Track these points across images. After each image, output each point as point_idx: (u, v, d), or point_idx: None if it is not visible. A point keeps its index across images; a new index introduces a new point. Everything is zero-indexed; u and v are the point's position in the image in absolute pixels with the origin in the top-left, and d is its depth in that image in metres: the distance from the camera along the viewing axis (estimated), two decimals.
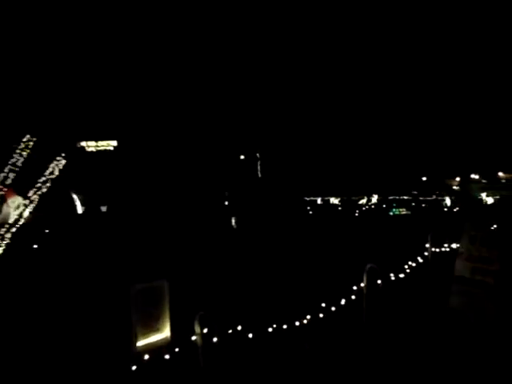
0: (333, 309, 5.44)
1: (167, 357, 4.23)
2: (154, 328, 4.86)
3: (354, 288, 5.81)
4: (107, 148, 41.69)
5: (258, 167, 52.97)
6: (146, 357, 4.22)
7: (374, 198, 52.45)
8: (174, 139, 40.55)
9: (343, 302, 5.56)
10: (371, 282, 5.96)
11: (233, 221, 19.82)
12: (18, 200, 11.52)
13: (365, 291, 5.85)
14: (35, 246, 13.17)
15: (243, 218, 21.52)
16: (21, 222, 10.64)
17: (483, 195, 27.97)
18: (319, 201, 49.59)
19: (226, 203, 31.84)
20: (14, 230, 10.53)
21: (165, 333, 4.93)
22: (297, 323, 5.07)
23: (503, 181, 32.22)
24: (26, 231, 11.51)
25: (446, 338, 5.12)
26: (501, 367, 4.35)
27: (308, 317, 5.20)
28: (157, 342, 4.80)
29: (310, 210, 40.33)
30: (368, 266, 5.95)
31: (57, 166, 11.14)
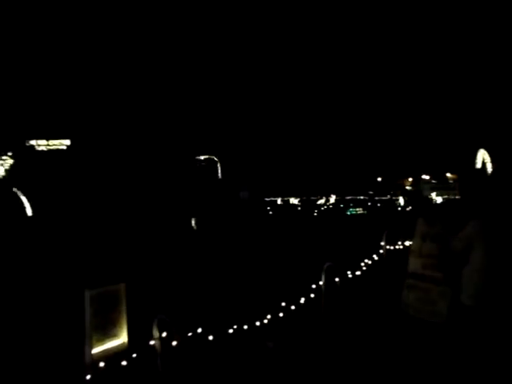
0: (292, 307, 5.51)
1: (124, 363, 4.09)
2: (110, 334, 4.69)
3: (313, 286, 5.92)
4: (59, 147, 39.87)
5: (219, 169, 52.82)
6: (102, 364, 4.06)
7: (332, 198, 53.88)
8: (131, 140, 39.49)
9: (302, 300, 5.64)
10: (329, 280, 6.10)
11: (193, 222, 19.58)
12: None
13: (323, 289, 5.98)
14: None
15: (203, 219, 21.33)
16: None
17: (433, 195, 29.49)
18: (279, 201, 50.18)
19: (186, 204, 31.41)
20: None
21: (122, 338, 4.77)
22: (257, 323, 5.08)
23: (451, 181, 34.14)
24: None
25: (400, 332, 5.33)
26: (452, 358, 4.58)
27: (268, 316, 5.23)
28: (113, 348, 4.63)
29: (270, 211, 40.69)
30: (326, 264, 6.09)
31: (1, 165, 10.57)
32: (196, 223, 19.55)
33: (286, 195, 51.99)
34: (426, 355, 4.72)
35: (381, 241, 8.61)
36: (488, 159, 35.15)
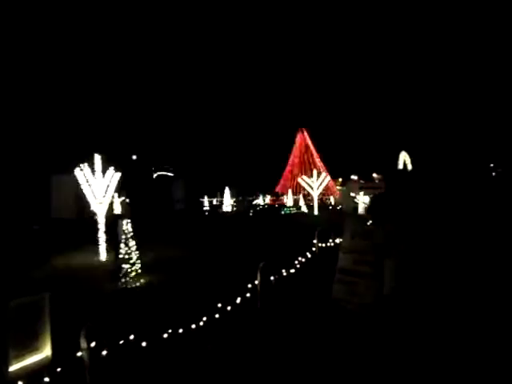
0: (229, 308, 5.50)
1: (47, 380, 3.79)
2: (31, 348, 4.32)
3: (249, 286, 5.96)
4: None
5: (152, 169, 51.38)
6: (21, 383, 3.72)
7: (267, 198, 54.84)
8: (53, 135, 36.93)
9: (239, 300, 5.66)
10: (265, 279, 6.19)
11: (123, 223, 18.74)
12: None
13: (259, 288, 6.05)
14: None
15: (134, 220, 20.56)
16: None
17: (361, 194, 31.28)
18: (214, 201, 49.96)
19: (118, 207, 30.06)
20: None
21: (45, 352, 4.42)
22: (193, 326, 4.99)
23: (376, 181, 36.50)
24: None
25: (331, 325, 5.56)
26: (378, 348, 4.87)
27: (204, 318, 5.16)
28: (35, 363, 4.28)
29: (205, 211, 40.33)
30: (261, 263, 6.17)
31: None
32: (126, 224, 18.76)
33: (221, 196, 51.92)
34: (354, 344, 4.97)
35: (313, 239, 8.93)
36: (408, 160, 38.09)
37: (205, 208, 42.85)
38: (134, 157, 46.87)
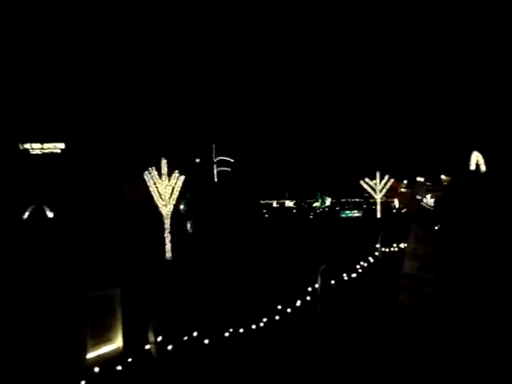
0: (288, 310, 5.50)
1: (119, 368, 4.06)
2: (105, 338, 4.66)
3: (309, 289, 5.92)
4: (53, 151, 39.63)
5: (215, 171, 52.72)
6: (97, 369, 4.03)
7: (328, 201, 53.97)
8: (125, 141, 39.37)
9: (298, 303, 5.64)
10: (325, 283, 6.10)
11: (188, 225, 19.52)
12: None
13: (319, 292, 5.98)
14: None
15: (199, 223, 21.30)
16: None
17: (428, 197, 29.67)
18: (275, 204, 50.16)
19: (182, 207, 31.36)
20: None
21: (117, 343, 4.74)
22: (253, 326, 5.07)
23: (445, 183, 34.39)
24: None
25: (396, 334, 5.34)
26: (448, 360, 4.59)
27: (264, 319, 5.22)
28: (108, 352, 4.60)
29: (265, 213, 40.68)
30: (322, 267, 6.09)
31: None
32: (191, 226, 19.50)
33: (281, 198, 52.00)
34: (422, 355, 4.73)
35: (376, 243, 8.63)
36: (482, 161, 35.37)
37: (265, 210, 43.14)
38: (198, 160, 48.51)
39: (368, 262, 7.69)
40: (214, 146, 50.69)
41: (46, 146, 39.24)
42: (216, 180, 53.23)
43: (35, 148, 38.97)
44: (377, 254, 8.45)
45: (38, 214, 26.29)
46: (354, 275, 6.95)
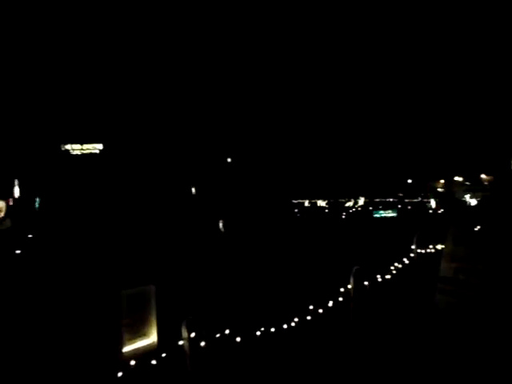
0: (320, 311, 5.47)
1: (154, 362, 4.18)
2: (140, 333, 4.81)
3: (341, 290, 5.85)
4: (93, 151, 41.19)
5: (246, 170, 53.03)
6: (133, 362, 4.17)
7: (361, 201, 53.02)
8: (161, 141, 40.30)
9: (330, 303, 5.59)
10: (358, 284, 6.01)
11: (220, 224, 19.75)
12: (1, 203, 11.32)
13: (352, 293, 5.90)
14: (18, 252, 12.91)
15: (231, 222, 21.51)
16: (2, 227, 10.40)
17: (467, 197, 28.52)
18: (307, 203, 49.83)
19: (214, 206, 31.77)
20: None
21: (151, 338, 4.89)
22: (285, 326, 5.07)
23: (486, 183, 32.91)
24: (9, 236, 11.27)
25: (434, 338, 5.18)
26: (489, 364, 4.42)
27: (296, 319, 5.21)
28: (143, 347, 4.75)
29: (297, 213, 40.49)
30: (355, 267, 6.00)
31: None
32: (224, 225, 19.73)
33: (313, 197, 51.58)
34: (459, 359, 4.57)
35: (411, 244, 8.40)
36: None
37: (297, 209, 42.93)
38: (229, 159, 48.95)
39: (402, 263, 7.51)
40: (244, 145, 51.02)
41: (85, 146, 40.83)
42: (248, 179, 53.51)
43: (75, 149, 40.62)
44: (412, 255, 8.23)
45: (77, 211, 27.41)
46: (387, 277, 6.81)
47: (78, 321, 6.40)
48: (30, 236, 15.54)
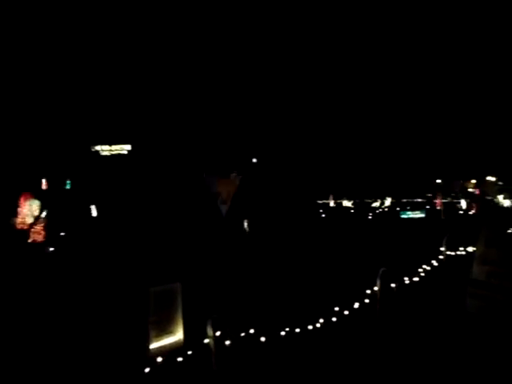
0: (346, 312, 5.40)
1: (180, 359, 4.24)
2: (167, 331, 4.89)
3: (368, 292, 5.76)
4: (121, 152, 42.20)
5: (271, 170, 52.98)
6: (159, 359, 4.24)
7: (388, 201, 51.98)
8: (186, 141, 40.85)
9: (356, 305, 5.52)
10: (385, 286, 5.90)
11: (245, 224, 19.81)
12: (36, 203, 11.80)
13: (378, 295, 5.80)
14: (51, 249, 13.37)
15: (255, 221, 21.53)
16: (37, 225, 10.83)
17: (500, 198, 27.45)
18: (332, 203, 49.30)
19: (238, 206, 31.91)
20: (31, 231, 10.75)
21: (177, 335, 4.96)
22: (310, 327, 5.04)
23: None
24: (43, 234, 11.69)
25: (463, 343, 5.03)
26: None
27: (321, 320, 5.17)
28: (170, 344, 4.83)
29: (322, 213, 40.10)
30: (381, 269, 5.90)
31: None
32: (248, 225, 19.77)
33: (338, 197, 50.95)
34: (491, 365, 4.41)
35: (441, 246, 8.19)
36: None
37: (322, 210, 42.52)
38: (254, 160, 49.04)
39: (431, 265, 7.32)
40: (270, 145, 50.97)
41: (113, 147, 41.90)
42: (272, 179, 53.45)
43: (104, 150, 41.74)
44: (441, 257, 8.01)
45: (106, 212, 28.12)
46: (415, 279, 6.66)
47: (108, 317, 6.57)
48: (62, 234, 16.07)
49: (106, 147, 42.06)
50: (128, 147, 42.75)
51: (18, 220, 11.65)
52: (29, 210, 11.45)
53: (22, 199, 11.48)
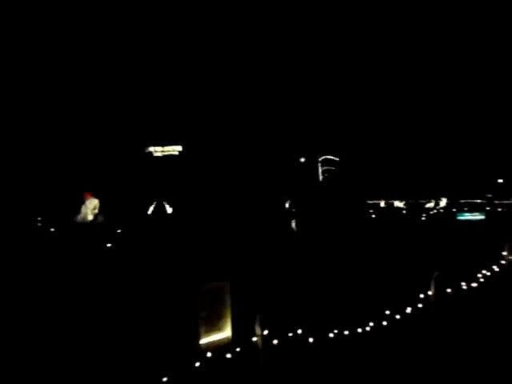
0: (397, 317, 5.24)
1: (229, 356, 4.34)
2: (216, 327, 5.03)
3: (421, 296, 5.55)
4: (172, 153, 43.78)
5: (319, 170, 52.40)
6: (209, 354, 4.37)
7: (443, 202, 49.44)
8: (235, 142, 41.45)
9: (409, 310, 5.34)
10: (440, 291, 5.65)
11: (293, 224, 19.77)
12: (94, 202, 12.56)
13: (432, 300, 5.56)
14: (109, 245, 14.09)
15: (303, 221, 21.41)
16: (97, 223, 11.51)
17: None
18: (382, 204, 47.80)
19: (286, 206, 31.91)
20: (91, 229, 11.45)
21: (226, 332, 5.08)
22: (359, 330, 4.95)
23: None
24: (101, 231, 12.40)
25: None
26: None
27: (371, 324, 5.06)
28: (218, 340, 4.96)
29: (372, 214, 39.01)
30: (436, 273, 5.65)
31: None
32: (296, 225, 19.71)
33: (389, 198, 49.33)
34: None
35: (502, 250, 7.68)
36: None
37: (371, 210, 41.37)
38: (302, 159, 48.72)
39: (492, 270, 6.89)
40: (318, 144, 50.39)
41: (166, 148, 43.52)
42: (321, 179, 52.82)
43: (157, 151, 43.49)
44: (503, 262, 7.52)
45: (160, 210, 29.26)
46: (474, 285, 6.30)
47: (161, 312, 6.84)
48: (118, 231, 16.94)
49: (159, 148, 43.76)
50: (179, 148, 44.23)
51: (79, 218, 12.44)
52: (89, 208, 12.21)
53: (84, 198, 12.27)
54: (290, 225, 19.70)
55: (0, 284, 7.76)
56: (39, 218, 14.97)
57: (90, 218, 12.23)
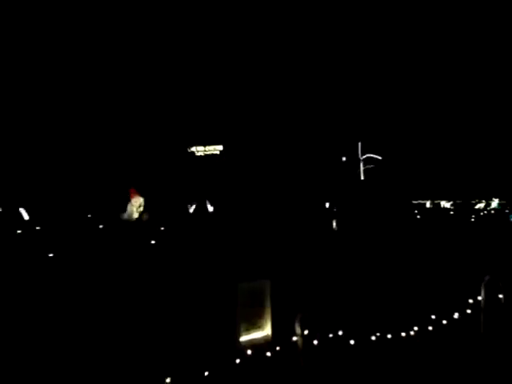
0: (444, 322, 5.04)
1: (268, 354, 4.36)
2: (255, 325, 5.06)
3: (470, 301, 5.30)
4: (214, 152, 44.56)
5: (361, 169, 51.35)
6: (249, 352, 4.41)
7: (495, 202, 46.79)
8: (275, 140, 41.46)
9: (456, 315, 5.11)
10: (490, 296, 5.37)
11: (334, 223, 19.44)
12: (140, 200, 13.04)
13: (482, 305, 5.29)
14: (152, 242, 14.55)
15: (345, 221, 21.02)
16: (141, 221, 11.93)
17: None
18: (428, 204, 45.96)
19: (327, 205, 31.49)
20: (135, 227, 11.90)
21: (266, 331, 5.10)
22: (403, 334, 4.81)
23: None
24: (145, 229, 12.84)
25: None
26: None
27: (415, 328, 4.90)
28: (258, 338, 4.99)
29: (417, 214, 37.59)
30: (486, 277, 5.37)
31: None
32: (337, 225, 19.37)
33: (436, 198, 47.31)
34: None
35: None
36: None
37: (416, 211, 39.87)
38: (344, 158, 47.89)
39: None
40: (359, 143, 49.32)
41: (207, 148, 44.38)
42: (362, 178, 51.67)
43: (199, 150, 44.44)
44: None
45: (201, 209, 29.84)
46: None
47: (203, 308, 6.98)
48: (162, 229, 17.46)
49: (201, 148, 44.70)
50: (220, 147, 44.96)
51: (125, 216, 12.95)
52: (135, 206, 12.69)
53: (130, 196, 12.78)
54: (331, 224, 19.39)
55: (52, 279, 8.24)
56: (89, 216, 15.72)
57: (136, 215, 12.73)
